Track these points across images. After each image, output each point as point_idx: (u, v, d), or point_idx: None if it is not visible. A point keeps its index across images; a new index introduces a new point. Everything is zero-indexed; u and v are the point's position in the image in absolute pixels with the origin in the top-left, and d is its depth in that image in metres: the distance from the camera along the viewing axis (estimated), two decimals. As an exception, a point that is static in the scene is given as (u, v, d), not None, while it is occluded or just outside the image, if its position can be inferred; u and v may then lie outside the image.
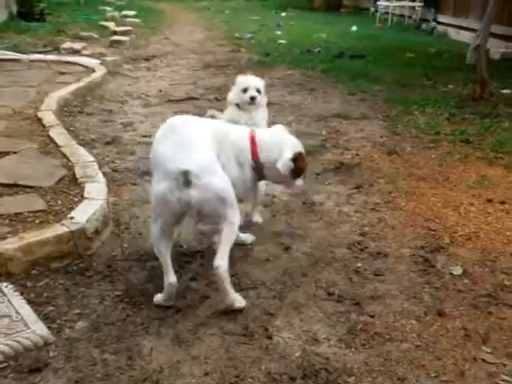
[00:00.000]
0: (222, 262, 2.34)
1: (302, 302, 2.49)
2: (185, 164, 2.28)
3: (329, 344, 2.21)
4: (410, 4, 14.67)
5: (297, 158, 2.75)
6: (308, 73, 7.93)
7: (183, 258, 2.85)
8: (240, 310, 2.39)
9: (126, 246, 2.96)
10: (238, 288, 2.58)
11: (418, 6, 14.33)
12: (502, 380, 1.99)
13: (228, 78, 7.52)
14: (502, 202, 3.56)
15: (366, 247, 3.01)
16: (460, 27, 11.96)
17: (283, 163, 2.71)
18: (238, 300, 2.42)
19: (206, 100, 6.27)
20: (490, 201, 3.57)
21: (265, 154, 2.75)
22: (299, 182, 2.86)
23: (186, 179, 2.26)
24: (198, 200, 2.30)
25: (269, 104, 5.98)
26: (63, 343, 2.20)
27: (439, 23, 13.27)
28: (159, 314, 2.38)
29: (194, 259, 2.84)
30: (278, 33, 12.27)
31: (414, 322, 2.35)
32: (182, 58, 9.08)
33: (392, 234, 3.16)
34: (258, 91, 3.39)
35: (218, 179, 2.39)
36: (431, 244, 3.03)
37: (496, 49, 9.55)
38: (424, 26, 13.78)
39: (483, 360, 2.11)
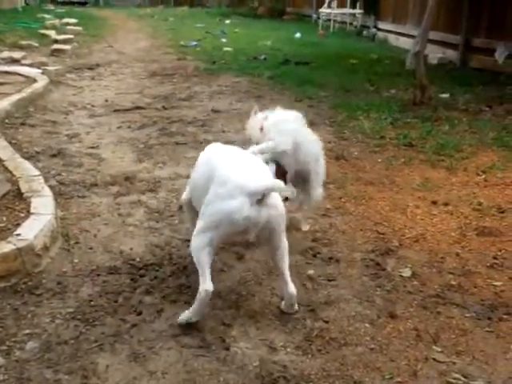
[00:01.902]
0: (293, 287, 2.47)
1: (258, 311, 2.50)
2: (260, 183, 2.34)
3: (286, 352, 2.22)
4: (351, 11, 15.03)
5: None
6: (255, 80, 7.99)
7: (136, 271, 2.81)
8: (196, 323, 2.38)
9: (76, 261, 2.88)
10: (194, 298, 2.56)
11: (359, 13, 14.70)
12: (453, 378, 2.06)
13: (175, 86, 7.50)
14: (446, 204, 3.69)
15: (319, 253, 3.05)
16: (399, 34, 12.34)
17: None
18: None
19: (153, 109, 6.21)
20: (434, 203, 3.70)
21: None
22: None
23: (261, 197, 2.30)
24: (268, 218, 2.35)
25: (217, 112, 6.09)
26: (13, 365, 2.12)
27: (380, 30, 13.65)
28: (113, 329, 2.33)
29: (147, 272, 2.80)
30: (224, 40, 12.31)
31: (367, 325, 2.40)
32: (127, 67, 8.98)
33: (343, 239, 3.22)
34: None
35: (280, 200, 2.45)
36: (381, 247, 3.10)
37: (434, 54, 9.91)
38: (365, 32, 14.14)
39: (434, 359, 2.17)
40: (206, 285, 2.32)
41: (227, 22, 17.03)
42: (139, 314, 2.44)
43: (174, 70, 8.62)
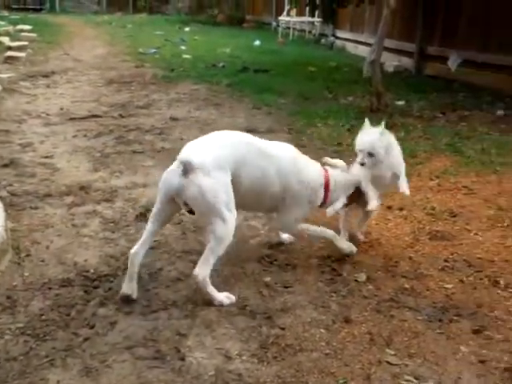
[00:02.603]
0: (198, 271, 2.54)
1: (214, 320, 2.48)
2: (183, 155, 2.52)
3: (241, 360, 2.22)
4: (310, 19, 15.22)
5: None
6: (213, 88, 8.00)
7: (90, 283, 2.76)
8: (151, 334, 2.35)
9: (27, 274, 2.81)
10: (149, 310, 2.54)
11: (318, 22, 14.90)
12: (405, 380, 2.09)
13: (133, 94, 7.44)
14: (401, 209, 3.76)
15: (276, 260, 3.06)
16: (357, 42, 12.57)
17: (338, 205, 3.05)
18: (228, 298, 2.61)
19: (110, 117, 6.14)
20: (389, 208, 3.76)
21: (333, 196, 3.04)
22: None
23: (185, 169, 2.46)
24: (187, 193, 2.50)
25: (175, 120, 6.06)
26: (-41, 384, 2.05)
27: (338, 38, 13.88)
28: (65, 344, 2.27)
29: (101, 284, 2.75)
30: (183, 48, 12.28)
31: (322, 330, 2.42)
32: (84, 74, 8.85)
33: (300, 246, 3.24)
34: (371, 154, 3.05)
35: (206, 183, 2.49)
36: (336, 253, 3.13)
37: (390, 62, 10.13)
38: (324, 40, 14.35)
39: (387, 362, 2.20)
40: (133, 248, 2.62)
41: (186, 29, 17.00)
42: (92, 327, 2.40)
43: (131, 78, 8.55)
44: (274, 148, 2.91)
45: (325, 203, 3.07)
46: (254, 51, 12.21)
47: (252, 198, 2.87)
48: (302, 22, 15.60)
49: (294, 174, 2.91)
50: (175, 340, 2.33)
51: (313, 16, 15.03)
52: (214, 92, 7.72)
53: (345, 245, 3.07)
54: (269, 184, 2.85)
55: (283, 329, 2.42)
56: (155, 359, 2.21)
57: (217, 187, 2.53)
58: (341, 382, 2.10)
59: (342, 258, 3.07)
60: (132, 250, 2.62)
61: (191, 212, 2.65)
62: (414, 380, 2.09)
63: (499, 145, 5.20)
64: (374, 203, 3.04)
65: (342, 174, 3.11)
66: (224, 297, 2.61)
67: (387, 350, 2.28)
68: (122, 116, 6.19)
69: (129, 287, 2.59)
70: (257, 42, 13.56)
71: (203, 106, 6.86)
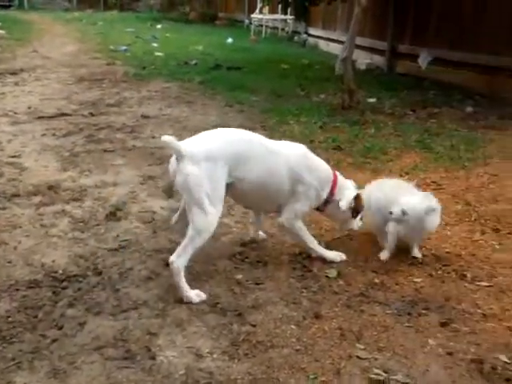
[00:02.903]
0: (174, 258, 2.58)
1: (185, 318, 2.47)
2: (182, 145, 2.59)
3: (212, 358, 2.21)
4: (283, 17, 15.25)
5: (358, 198, 3.05)
6: (185, 85, 7.96)
7: (59, 284, 2.72)
8: (121, 334, 2.33)
9: (-7, 275, 2.76)
10: (119, 310, 2.51)
11: (290, 19, 14.94)
12: (374, 374, 2.11)
13: (104, 92, 7.35)
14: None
15: (247, 257, 3.06)
16: (329, 39, 12.65)
17: (347, 200, 2.99)
18: (198, 296, 2.61)
19: (80, 116, 6.06)
20: (360, 204, 3.79)
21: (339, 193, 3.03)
22: (359, 222, 3.17)
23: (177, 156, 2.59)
24: (177, 179, 2.60)
25: (146, 118, 6.01)
26: None
27: (310, 35, 13.94)
28: (32, 346, 2.24)
29: (70, 284, 2.71)
30: (154, 45, 12.19)
31: (293, 326, 2.43)
32: (53, 72, 8.72)
33: (271, 243, 3.25)
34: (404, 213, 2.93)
35: (194, 172, 2.55)
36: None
37: (362, 60, 10.22)
38: (296, 38, 14.40)
39: (357, 356, 2.22)
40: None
41: (158, 26, 16.87)
42: (60, 328, 2.36)
43: (102, 76, 8.45)
44: (282, 146, 2.95)
45: (327, 203, 3.05)
46: (226, 49, 12.19)
47: (257, 195, 2.89)
48: (275, 20, 15.63)
49: (305, 171, 2.93)
50: (145, 339, 2.31)
51: (285, 14, 15.06)
52: (186, 90, 7.68)
53: (332, 254, 3.04)
54: (277, 182, 2.87)
55: (254, 326, 2.42)
56: (125, 359, 2.19)
57: (202, 178, 2.56)
58: (311, 377, 2.11)
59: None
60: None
61: None
62: (383, 373, 2.12)
63: (468, 141, 5.29)
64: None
65: (348, 182, 3.14)
66: (194, 294, 2.60)
67: (357, 345, 2.30)
68: (92, 114, 6.11)
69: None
70: (229, 40, 13.54)
71: (175, 104, 6.82)
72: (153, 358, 2.20)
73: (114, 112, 6.29)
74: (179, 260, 2.56)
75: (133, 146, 5.02)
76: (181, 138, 5.43)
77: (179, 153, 2.56)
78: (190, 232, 2.58)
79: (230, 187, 2.73)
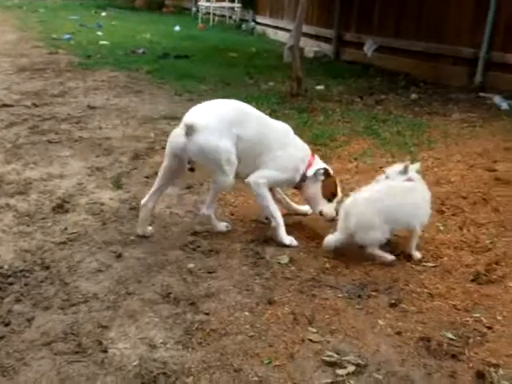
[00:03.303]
0: (205, 210, 3.16)
1: (137, 310, 2.45)
2: (187, 117, 2.95)
3: (166, 348, 2.20)
4: (230, 5, 15.16)
5: (327, 173, 3.21)
6: (133, 74, 7.82)
7: (5, 279, 2.63)
8: (71, 328, 2.29)
9: None
10: (68, 304, 2.46)
11: (237, 7, 14.88)
12: (327, 356, 2.15)
13: (47, 82, 7.13)
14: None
15: (199, 246, 3.05)
16: (277, 27, 12.67)
17: (315, 170, 3.16)
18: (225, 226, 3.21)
19: (22, 106, 5.86)
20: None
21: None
22: (332, 208, 3.17)
23: (187, 130, 2.89)
24: (190, 150, 2.95)
25: (93, 108, 5.87)
26: None
27: (258, 23, 13.92)
28: (-22, 344, 2.17)
29: (16, 280, 2.63)
30: (99, 33, 11.89)
31: (247, 313, 2.44)
32: (-7, 62, 8.37)
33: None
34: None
35: (208, 142, 2.91)
36: (260, 237, 3.17)
37: (310, 48, 10.30)
38: (244, 26, 14.36)
39: (310, 340, 2.26)
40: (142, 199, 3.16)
41: (103, 14, 16.45)
42: (7, 324, 2.29)
43: (45, 65, 8.18)
44: (271, 120, 3.26)
45: (303, 181, 3.20)
46: (174, 37, 12.02)
47: (248, 153, 3.09)
48: (222, 8, 15.52)
49: (288, 143, 3.19)
50: (97, 332, 2.28)
51: (232, 1, 14.99)
52: (133, 79, 7.54)
53: (285, 238, 3.10)
54: (265, 144, 3.11)
55: (208, 314, 2.43)
56: (76, 353, 2.15)
57: (218, 145, 2.93)
58: (266, 362, 2.13)
59: (265, 241, 3.11)
60: (142, 201, 3.15)
61: (192, 170, 3.11)
62: (336, 355, 2.16)
63: (413, 127, 5.42)
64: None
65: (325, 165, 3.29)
66: (223, 226, 3.22)
67: (310, 329, 2.34)
68: (35, 105, 5.92)
69: (141, 230, 3.12)
70: (177, 28, 13.36)
71: (123, 94, 6.69)
72: (105, 350, 2.17)
73: (58, 102, 6.11)
74: (208, 210, 3.15)
75: (79, 137, 4.90)
76: (127, 127, 5.37)
77: (193, 127, 2.89)
78: (213, 189, 3.13)
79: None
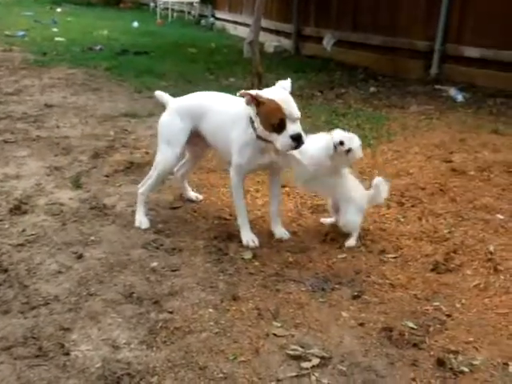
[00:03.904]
0: (140, 187, 3.32)
1: (100, 311, 2.41)
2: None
3: (130, 348, 2.17)
4: (189, 0, 15.04)
5: (259, 103, 2.74)
6: (91, 72, 7.68)
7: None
8: (31, 331, 2.24)
9: None
10: (28, 307, 2.41)
11: (196, 2, 14.78)
12: (292, 350, 2.17)
13: (1, 80, 6.93)
14: (284, 186, 3.83)
15: (162, 244, 3.03)
16: (236, 22, 12.65)
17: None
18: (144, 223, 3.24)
19: (-25, 106, 5.68)
20: (272, 185, 3.84)
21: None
22: (284, 140, 2.69)
23: None
24: None
25: (50, 106, 5.74)
26: None
27: (217, 19, 13.87)
28: None
29: (-28, 284, 2.56)
30: (55, 30, 11.64)
31: (211, 310, 2.44)
32: None
33: (186, 229, 3.23)
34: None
35: (163, 116, 3.22)
36: (223, 233, 3.16)
37: (270, 43, 10.32)
38: (203, 21, 14.28)
39: (275, 334, 2.27)
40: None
41: (59, 10, 16.10)
42: (-37, 331, 2.23)
43: (-2, 63, 7.96)
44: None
45: None
46: (132, 33, 11.87)
47: (215, 142, 3.18)
48: (181, 3, 15.39)
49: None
50: (58, 335, 2.23)
51: (191, -4, 14.88)
52: (91, 76, 7.41)
53: (246, 237, 3.04)
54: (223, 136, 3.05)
55: (171, 312, 2.41)
56: (37, 357, 2.10)
57: (167, 125, 3.15)
58: (231, 358, 2.13)
59: (229, 237, 3.11)
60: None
61: None
62: (300, 348, 2.18)
63: (372, 120, 5.50)
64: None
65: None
66: (145, 221, 3.22)
67: (274, 323, 2.35)
68: (-11, 105, 5.75)
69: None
70: (135, 24, 13.18)
71: (81, 91, 6.57)
72: (67, 353, 2.13)
73: (13, 101, 5.95)
74: (142, 188, 3.27)
75: (37, 137, 4.78)
76: (86, 125, 5.27)
77: (167, 105, 3.22)
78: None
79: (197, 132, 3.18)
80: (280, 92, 2.80)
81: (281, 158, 2.93)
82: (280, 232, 3.14)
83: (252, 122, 2.84)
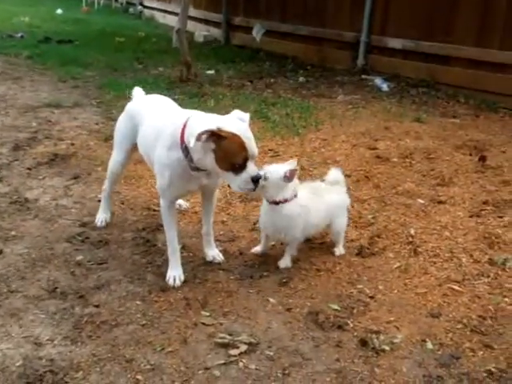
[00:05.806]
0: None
1: (21, 307, 2.32)
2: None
3: (53, 345, 2.11)
4: (116, -13, 14.67)
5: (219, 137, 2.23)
6: (11, 60, 7.36)
7: None
8: None
9: None
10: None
11: (124, -10, 14.43)
12: (220, 338, 2.17)
13: None
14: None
15: (88, 238, 2.95)
16: (165, 11, 12.45)
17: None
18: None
19: None
20: (202, 175, 3.83)
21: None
22: (244, 183, 2.32)
23: None
24: None
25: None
26: None
27: (146, 7, 13.60)
28: None
29: None
30: (-28, 16, 11.02)
31: (139, 302, 2.41)
32: None
33: (114, 221, 3.17)
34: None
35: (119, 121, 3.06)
36: (151, 224, 3.12)
37: (199, 32, 10.23)
38: (132, 9, 13.98)
39: (203, 323, 2.27)
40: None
41: (-25, -5, 15.26)
42: None
43: None
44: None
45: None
46: (56, 20, 11.44)
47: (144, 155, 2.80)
48: (108, -10, 14.97)
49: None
50: (-24, 335, 2.14)
51: (118, -16, 14.49)
52: (12, 65, 7.10)
53: (172, 271, 2.58)
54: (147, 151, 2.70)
55: (97, 306, 2.36)
56: (-48, 360, 2.01)
57: (117, 125, 3.03)
58: (158, 349, 2.11)
59: (157, 228, 3.07)
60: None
61: None
62: (228, 336, 2.19)
63: (301, 109, 5.58)
64: None
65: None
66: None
67: (203, 312, 2.35)
68: None
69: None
70: (59, 11, 12.70)
71: (0, 81, 6.26)
72: (-16, 353, 2.05)
73: None
74: (105, 183, 3.14)
75: (-49, 129, 4.53)
76: (6, 116, 5.05)
77: None
78: None
79: None
80: (240, 125, 2.35)
81: (213, 181, 2.57)
82: (213, 254, 2.78)
83: (187, 151, 2.37)
